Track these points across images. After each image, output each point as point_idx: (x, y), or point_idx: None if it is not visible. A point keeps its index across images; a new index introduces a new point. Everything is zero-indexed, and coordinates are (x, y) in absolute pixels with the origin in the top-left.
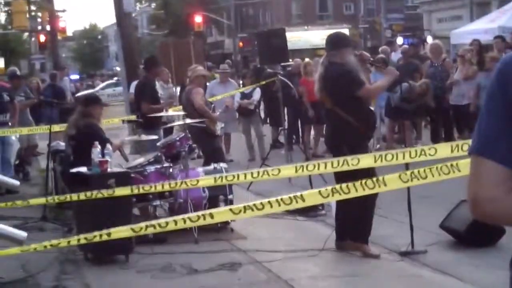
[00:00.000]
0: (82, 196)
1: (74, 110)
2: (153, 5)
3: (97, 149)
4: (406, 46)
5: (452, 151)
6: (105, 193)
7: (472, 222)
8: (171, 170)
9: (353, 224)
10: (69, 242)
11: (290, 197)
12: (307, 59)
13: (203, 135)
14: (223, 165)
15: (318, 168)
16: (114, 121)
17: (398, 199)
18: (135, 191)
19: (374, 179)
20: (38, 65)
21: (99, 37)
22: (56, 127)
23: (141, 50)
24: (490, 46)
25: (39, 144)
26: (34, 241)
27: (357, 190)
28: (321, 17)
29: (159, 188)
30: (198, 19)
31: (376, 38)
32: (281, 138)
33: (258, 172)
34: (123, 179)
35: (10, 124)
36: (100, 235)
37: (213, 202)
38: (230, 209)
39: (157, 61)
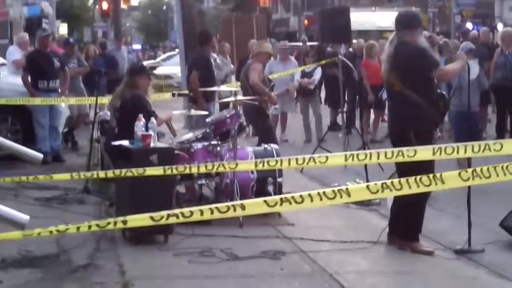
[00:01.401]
0: (110, 173)
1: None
2: None
3: (141, 122)
4: (475, 32)
5: None
6: (135, 171)
7: None
8: (218, 148)
9: (404, 220)
10: (78, 228)
11: (334, 191)
12: (371, 41)
13: (255, 113)
14: (274, 146)
15: (370, 158)
16: (165, 96)
17: (456, 192)
18: (168, 172)
19: (431, 175)
20: (101, 33)
21: (164, 8)
22: (104, 98)
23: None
24: None
25: (91, 114)
26: (73, 213)
27: (410, 186)
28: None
29: (194, 169)
30: None
31: (445, 23)
32: (339, 121)
33: (304, 159)
34: (166, 155)
35: (60, 91)
36: (115, 223)
37: (261, 184)
38: (265, 201)
39: (210, 34)
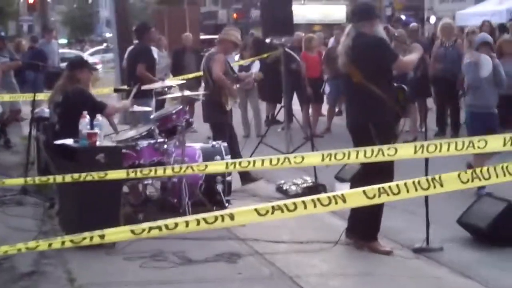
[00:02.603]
0: (68, 178)
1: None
2: None
3: (85, 119)
4: (415, 24)
5: (504, 144)
6: (96, 175)
7: (495, 218)
8: (165, 146)
9: (362, 219)
10: (50, 245)
11: (329, 197)
12: (310, 34)
13: (213, 108)
14: (222, 143)
15: (349, 157)
16: (105, 91)
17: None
18: (131, 175)
19: (429, 178)
20: (26, 27)
21: (90, 1)
22: (41, 95)
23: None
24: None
25: (23, 109)
26: (12, 217)
27: (408, 190)
28: None
29: (159, 172)
30: None
31: None
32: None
33: (278, 159)
34: (113, 154)
35: None
36: (91, 237)
37: (210, 182)
38: (255, 210)
39: (149, 27)
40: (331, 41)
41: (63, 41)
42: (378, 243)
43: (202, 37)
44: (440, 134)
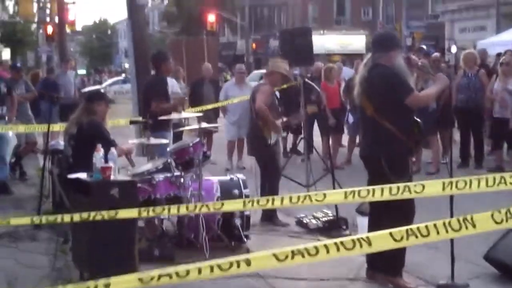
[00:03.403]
0: (76, 217)
1: (77, 107)
2: (166, 1)
3: (99, 153)
4: (437, 54)
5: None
6: (106, 214)
7: None
8: (182, 179)
9: (385, 254)
10: None
11: (353, 240)
12: (330, 64)
13: (257, 140)
14: (240, 176)
15: (373, 195)
16: (121, 122)
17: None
18: (143, 214)
19: (461, 218)
20: (45, 58)
21: (109, 32)
22: (56, 126)
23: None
24: None
25: (39, 141)
26: (25, 253)
27: (438, 232)
28: (338, 22)
29: (173, 211)
30: (211, 18)
31: None
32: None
33: (299, 197)
34: (128, 189)
35: (7, 118)
36: (96, 286)
37: (228, 217)
38: (274, 254)
39: (166, 57)
40: (344, 70)
41: (82, 71)
42: (402, 279)
43: None
44: (463, 166)
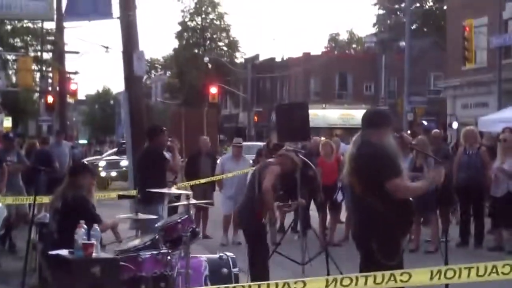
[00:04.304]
0: None
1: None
2: (168, 73)
3: (82, 229)
4: (437, 130)
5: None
6: None
7: None
8: (168, 257)
9: None
10: None
11: None
12: (323, 138)
13: (251, 215)
14: (230, 254)
15: (356, 283)
16: (111, 196)
17: None
18: None
19: None
20: (45, 127)
21: (111, 102)
22: (46, 198)
23: (152, 119)
24: None
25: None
26: None
27: None
28: (340, 96)
29: None
30: (213, 90)
31: (397, 121)
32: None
33: (277, 284)
34: (110, 267)
35: None
36: None
37: None
38: None
39: (161, 130)
40: (342, 146)
41: (84, 141)
42: None
43: None
44: (462, 245)
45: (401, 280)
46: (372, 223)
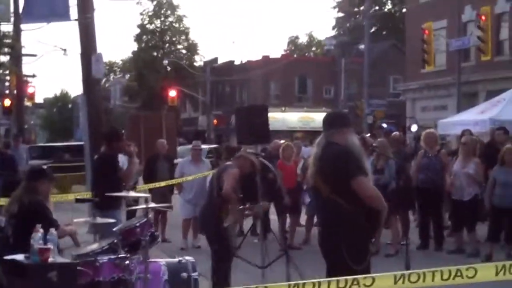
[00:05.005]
0: None
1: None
2: (127, 76)
3: (38, 233)
4: (396, 133)
5: (497, 273)
6: None
7: None
8: (127, 262)
9: None
10: None
11: None
12: (288, 142)
13: (211, 220)
14: (189, 258)
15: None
16: (69, 198)
17: None
18: None
19: None
20: (3, 131)
21: (70, 105)
22: (1, 201)
23: (111, 122)
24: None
25: None
26: None
27: None
28: (300, 99)
29: None
30: (172, 93)
31: (357, 124)
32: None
33: None
34: (67, 272)
35: None
36: None
37: None
38: None
39: (118, 134)
40: (304, 149)
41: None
42: None
43: None
44: (422, 248)
45: (364, 285)
46: (340, 225)
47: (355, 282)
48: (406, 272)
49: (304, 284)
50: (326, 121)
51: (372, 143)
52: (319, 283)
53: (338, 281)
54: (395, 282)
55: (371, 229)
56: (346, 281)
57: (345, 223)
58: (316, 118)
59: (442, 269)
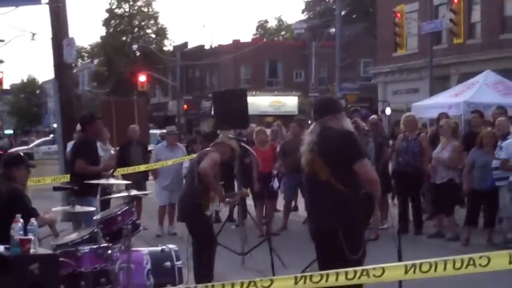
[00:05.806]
0: None
1: None
2: (96, 61)
3: (18, 224)
4: (374, 116)
5: (510, 261)
6: None
7: None
8: (109, 251)
9: None
10: None
11: None
12: (262, 128)
13: (191, 212)
14: (172, 247)
15: (327, 280)
16: (47, 181)
17: None
18: None
19: None
20: None
21: (37, 92)
22: None
23: (81, 108)
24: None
25: None
26: None
27: None
28: (271, 83)
29: None
30: (142, 78)
31: None
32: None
33: (242, 283)
34: (49, 263)
35: None
36: None
37: None
38: None
39: (94, 118)
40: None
41: (10, 131)
42: None
43: None
44: (402, 232)
45: (374, 275)
46: (340, 212)
47: (364, 273)
48: (417, 262)
49: (311, 276)
50: (317, 108)
51: (364, 127)
52: (327, 274)
53: (346, 273)
54: (406, 272)
55: (365, 216)
56: (355, 272)
57: (344, 208)
58: (287, 102)
59: (454, 258)
